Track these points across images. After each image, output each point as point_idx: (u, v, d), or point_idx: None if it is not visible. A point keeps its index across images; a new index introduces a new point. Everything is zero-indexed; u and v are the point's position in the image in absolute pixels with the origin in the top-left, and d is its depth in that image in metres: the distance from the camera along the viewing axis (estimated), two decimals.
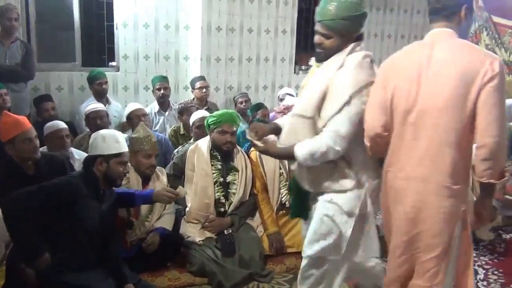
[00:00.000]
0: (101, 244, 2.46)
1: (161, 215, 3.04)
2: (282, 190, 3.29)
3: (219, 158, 3.14)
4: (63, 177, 2.42)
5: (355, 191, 2.12)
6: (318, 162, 2.08)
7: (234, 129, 3.15)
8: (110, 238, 2.53)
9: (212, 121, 3.13)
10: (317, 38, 2.12)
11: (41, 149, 3.13)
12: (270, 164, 3.28)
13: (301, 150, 2.07)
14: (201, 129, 3.58)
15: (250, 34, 5.49)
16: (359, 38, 2.12)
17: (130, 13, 4.98)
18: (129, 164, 2.98)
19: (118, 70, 5.07)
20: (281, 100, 5.08)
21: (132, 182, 2.98)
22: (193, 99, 4.97)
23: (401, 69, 1.90)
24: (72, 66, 4.94)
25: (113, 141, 2.44)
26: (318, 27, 2.10)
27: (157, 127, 4.62)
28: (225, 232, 3.02)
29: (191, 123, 3.73)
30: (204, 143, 3.17)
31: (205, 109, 4.35)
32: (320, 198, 2.21)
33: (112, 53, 5.12)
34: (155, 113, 4.70)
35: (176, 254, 3.02)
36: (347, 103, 1.97)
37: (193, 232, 3.02)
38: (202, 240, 2.98)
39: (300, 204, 2.38)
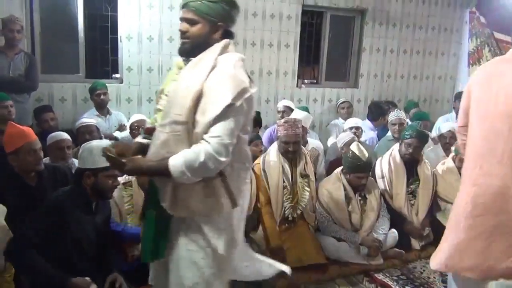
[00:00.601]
0: (98, 255, 2.44)
1: None
2: (285, 204, 3.25)
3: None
4: (48, 199, 2.41)
5: (227, 215, 1.87)
6: (197, 177, 1.75)
7: None
8: (107, 249, 2.50)
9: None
10: (181, 26, 1.88)
11: (44, 159, 3.11)
12: (274, 177, 3.25)
13: (176, 162, 1.72)
14: None
15: (253, 48, 5.50)
16: (229, 35, 1.92)
17: (134, 26, 4.98)
18: (134, 178, 2.96)
19: (121, 82, 5.06)
20: (280, 112, 5.08)
21: (136, 198, 2.96)
22: None
23: (483, 79, 2.13)
24: (75, 78, 4.93)
25: (100, 154, 2.10)
26: (183, 13, 1.88)
27: None
28: None
29: None
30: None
31: None
32: (183, 227, 1.89)
33: (116, 65, 5.12)
34: None
35: None
36: (230, 106, 1.71)
37: None
38: None
39: (158, 237, 1.92)
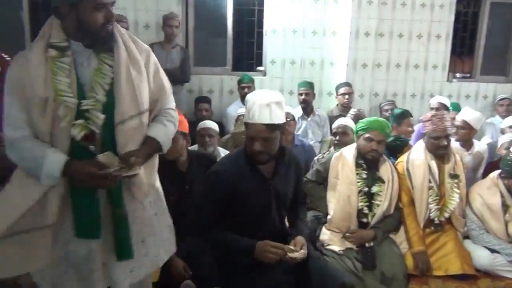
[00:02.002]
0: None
1: None
2: (431, 206, 2.95)
3: (365, 167, 2.93)
4: (208, 175, 2.31)
5: None
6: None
7: (382, 138, 2.91)
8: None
9: (361, 127, 2.95)
10: None
11: (194, 147, 3.26)
12: (419, 177, 2.97)
13: (161, 134, 1.81)
14: (341, 137, 3.49)
15: (400, 39, 5.17)
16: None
17: (279, 20, 5.01)
18: None
19: (265, 75, 5.14)
20: (433, 109, 4.66)
21: None
22: (337, 105, 4.83)
23: None
24: (223, 70, 5.15)
25: None
26: None
27: (300, 132, 4.56)
28: (367, 245, 2.79)
29: (332, 130, 3.60)
30: (349, 151, 2.99)
31: (356, 113, 4.18)
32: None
33: (260, 58, 5.23)
34: (298, 117, 4.65)
35: None
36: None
37: (333, 241, 2.85)
38: (343, 250, 2.79)
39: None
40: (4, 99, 1.65)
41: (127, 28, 4.31)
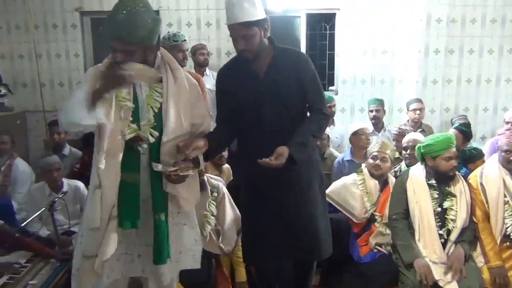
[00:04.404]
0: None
1: None
2: (506, 220, 2.89)
3: (436, 186, 2.93)
4: None
5: None
6: None
7: (455, 152, 2.91)
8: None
9: (436, 148, 2.89)
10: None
11: None
12: (494, 192, 2.91)
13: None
14: (411, 150, 3.40)
15: (471, 55, 5.06)
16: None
17: (349, 42, 5.11)
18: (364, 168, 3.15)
19: (336, 94, 5.24)
20: (508, 123, 4.50)
21: (369, 185, 3.11)
22: (408, 121, 4.82)
23: None
24: None
25: None
26: None
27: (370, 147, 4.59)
28: None
29: (403, 145, 3.61)
30: (419, 173, 2.99)
31: (419, 131, 4.16)
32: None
33: (332, 78, 5.34)
34: (369, 133, 4.69)
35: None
36: None
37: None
38: None
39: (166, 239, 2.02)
40: None
41: (207, 55, 4.50)
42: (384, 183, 3.16)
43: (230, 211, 2.90)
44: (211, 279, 2.69)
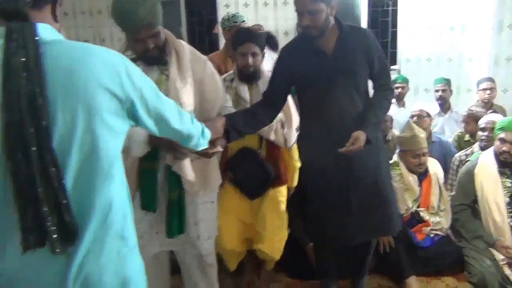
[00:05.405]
0: None
1: None
2: None
3: (508, 174, 2.70)
4: None
5: None
6: None
7: None
8: None
9: (498, 126, 2.73)
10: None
11: None
12: None
13: None
14: (489, 132, 3.16)
15: None
16: None
17: (413, 18, 4.82)
18: (401, 163, 2.93)
19: (399, 73, 4.98)
20: None
21: (408, 181, 2.90)
22: (478, 101, 4.50)
23: None
24: None
25: None
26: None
27: (436, 129, 4.35)
28: None
29: (480, 126, 3.36)
30: (489, 159, 2.77)
31: (490, 113, 3.86)
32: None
33: (394, 57, 5.08)
34: (435, 114, 4.43)
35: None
36: None
37: None
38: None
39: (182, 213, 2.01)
40: None
41: None
42: (423, 175, 2.94)
43: (294, 108, 2.60)
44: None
